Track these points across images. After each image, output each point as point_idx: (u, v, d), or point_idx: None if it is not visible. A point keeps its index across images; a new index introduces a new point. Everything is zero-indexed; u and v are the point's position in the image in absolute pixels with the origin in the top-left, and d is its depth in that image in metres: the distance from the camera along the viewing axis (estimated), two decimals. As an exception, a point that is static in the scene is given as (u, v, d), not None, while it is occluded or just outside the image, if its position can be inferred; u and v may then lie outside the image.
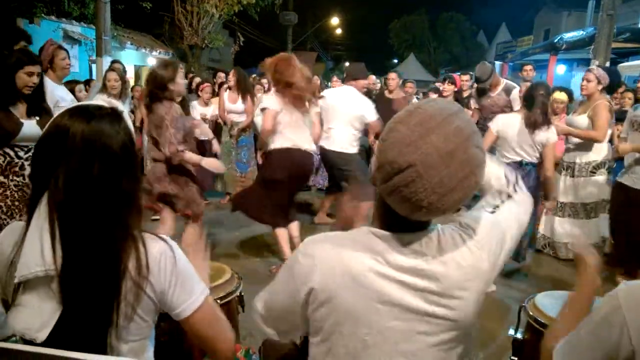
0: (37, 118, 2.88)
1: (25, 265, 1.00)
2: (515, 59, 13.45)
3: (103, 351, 1.03)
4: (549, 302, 1.84)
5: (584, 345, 0.98)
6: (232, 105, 5.70)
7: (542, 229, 4.64)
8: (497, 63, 13.42)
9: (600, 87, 4.17)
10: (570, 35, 9.69)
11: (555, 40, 9.99)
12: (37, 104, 2.89)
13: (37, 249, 1.00)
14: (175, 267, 1.10)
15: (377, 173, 0.99)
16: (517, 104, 5.34)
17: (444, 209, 0.96)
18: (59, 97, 3.68)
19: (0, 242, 1.11)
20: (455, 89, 5.82)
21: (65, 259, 1.00)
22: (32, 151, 2.51)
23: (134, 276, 1.04)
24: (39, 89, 2.91)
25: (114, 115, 1.09)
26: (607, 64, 7.69)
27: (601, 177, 4.27)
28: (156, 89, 3.10)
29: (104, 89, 5.04)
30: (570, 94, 5.07)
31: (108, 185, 1.03)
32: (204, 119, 5.70)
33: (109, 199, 1.03)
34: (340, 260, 1.03)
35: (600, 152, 4.27)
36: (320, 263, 1.03)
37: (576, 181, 4.34)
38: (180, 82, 3.18)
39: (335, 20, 28.18)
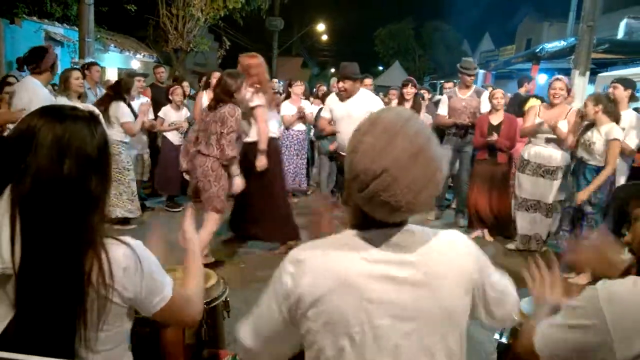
0: None
1: None
2: (498, 67, 13.67)
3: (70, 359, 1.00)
4: (532, 308, 1.86)
5: (562, 336, 1.04)
6: None
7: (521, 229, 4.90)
8: (481, 72, 13.61)
9: (566, 94, 4.64)
10: (551, 46, 9.88)
11: (537, 50, 10.18)
12: None
13: None
14: (141, 270, 1.08)
15: (352, 184, 1.03)
16: (485, 107, 5.54)
17: (420, 207, 1.02)
18: (50, 101, 3.71)
19: None
20: (416, 92, 6.03)
21: (23, 258, 0.97)
22: None
23: (97, 285, 1.01)
24: None
25: (91, 117, 1.08)
26: (587, 74, 7.88)
27: (561, 180, 4.62)
28: (222, 94, 3.62)
29: (65, 90, 4.47)
30: (543, 101, 5.36)
31: (77, 186, 1.01)
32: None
33: (75, 199, 1.01)
34: (327, 263, 1.04)
35: (566, 157, 4.62)
36: (308, 267, 1.05)
37: (542, 181, 4.66)
38: (244, 93, 3.69)
39: (321, 27, 28.31)
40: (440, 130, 5.90)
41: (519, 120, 5.30)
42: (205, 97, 5.68)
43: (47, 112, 1.04)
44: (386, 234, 1.06)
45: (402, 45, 30.13)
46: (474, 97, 5.63)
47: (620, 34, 11.38)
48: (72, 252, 1.00)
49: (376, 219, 1.04)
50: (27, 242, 0.97)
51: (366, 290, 1.02)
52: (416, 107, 5.83)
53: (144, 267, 1.09)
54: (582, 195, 4.02)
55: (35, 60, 3.81)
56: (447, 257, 1.08)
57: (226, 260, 4.24)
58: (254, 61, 4.07)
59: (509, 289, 1.20)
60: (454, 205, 6.40)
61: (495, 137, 4.96)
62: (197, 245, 1.37)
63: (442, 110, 5.77)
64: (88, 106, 1.12)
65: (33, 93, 3.65)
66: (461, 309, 1.08)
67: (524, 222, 4.83)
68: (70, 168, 1.00)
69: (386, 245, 1.05)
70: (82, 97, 4.69)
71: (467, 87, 5.68)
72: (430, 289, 1.04)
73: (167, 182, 5.81)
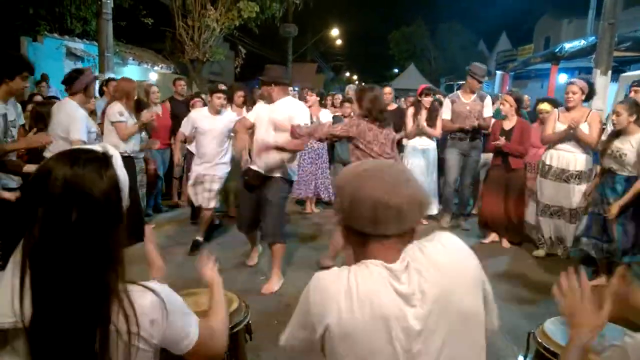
0: None
1: None
2: (516, 68, 13.46)
3: None
4: (557, 329, 1.82)
5: None
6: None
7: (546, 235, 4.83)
8: (499, 73, 13.41)
9: (583, 97, 4.48)
10: (571, 45, 9.68)
11: (557, 50, 9.99)
12: None
13: (8, 298, 0.95)
14: (167, 316, 1.07)
15: (352, 209, 1.10)
16: (488, 111, 5.58)
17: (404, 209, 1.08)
18: (89, 124, 3.85)
19: None
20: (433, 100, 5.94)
21: (35, 311, 0.95)
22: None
23: (122, 333, 1.00)
24: None
25: (102, 160, 1.04)
26: (609, 73, 7.70)
27: (585, 184, 4.51)
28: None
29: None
30: (555, 103, 5.18)
31: (86, 234, 0.98)
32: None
33: (86, 248, 0.97)
34: (354, 295, 1.04)
35: (590, 161, 4.55)
36: (334, 299, 1.05)
37: (565, 186, 4.56)
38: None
39: (335, 32, 28.37)
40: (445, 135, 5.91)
41: (535, 125, 5.24)
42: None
43: (61, 156, 1.03)
44: (397, 264, 1.07)
45: (417, 47, 29.98)
46: (478, 102, 5.61)
47: (642, 30, 11.07)
48: (87, 302, 0.97)
49: (386, 234, 1.08)
50: (37, 295, 0.95)
51: (393, 322, 1.03)
52: (434, 114, 5.82)
53: (169, 314, 1.08)
54: (614, 209, 3.79)
55: (69, 82, 3.92)
56: (457, 267, 1.11)
57: (247, 273, 4.28)
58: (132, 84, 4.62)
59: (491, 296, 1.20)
60: (474, 211, 6.33)
61: (502, 141, 4.86)
62: (218, 281, 1.37)
63: (446, 114, 5.73)
64: (105, 146, 1.10)
65: (71, 115, 3.76)
66: (479, 312, 1.11)
67: (547, 228, 4.77)
68: (77, 214, 0.97)
69: (403, 274, 1.06)
70: (93, 113, 4.82)
71: (472, 91, 5.63)
72: (452, 303, 1.06)
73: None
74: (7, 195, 2.85)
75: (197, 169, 4.88)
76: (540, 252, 4.82)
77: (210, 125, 4.79)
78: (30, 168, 3.03)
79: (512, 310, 3.62)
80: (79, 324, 0.96)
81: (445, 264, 1.09)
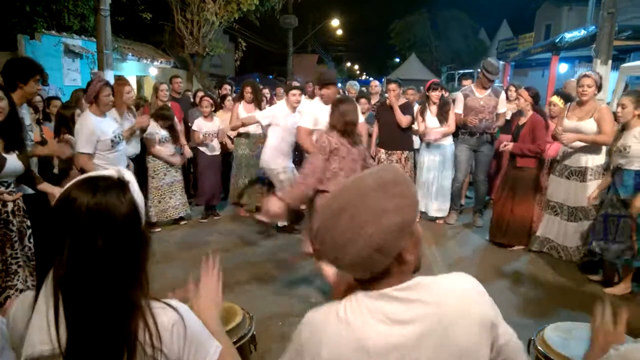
0: (17, 152, 2.86)
1: (30, 343, 1.01)
2: (517, 58, 13.36)
3: None
4: (558, 337, 1.83)
5: None
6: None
7: (540, 231, 4.75)
8: (500, 63, 13.33)
9: (596, 90, 4.27)
10: (571, 35, 9.62)
11: (557, 40, 9.93)
12: (14, 137, 2.88)
13: (44, 326, 1.01)
14: (186, 335, 1.10)
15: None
16: (502, 106, 5.58)
17: (353, 260, 1.02)
18: (100, 132, 3.86)
19: (13, 316, 1.12)
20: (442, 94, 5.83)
21: (70, 336, 1.00)
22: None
23: (145, 347, 1.05)
24: (14, 122, 2.88)
25: (120, 186, 1.09)
26: (610, 62, 7.65)
27: (592, 182, 4.34)
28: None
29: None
30: (566, 97, 5.06)
31: (112, 258, 1.03)
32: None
33: (113, 271, 1.03)
34: (348, 334, 1.03)
35: (603, 155, 4.37)
36: (327, 338, 1.04)
37: (568, 182, 4.46)
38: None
39: (335, 22, 28.16)
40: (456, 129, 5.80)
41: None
42: (242, 108, 5.72)
43: (82, 184, 1.07)
44: (395, 292, 1.03)
45: (419, 37, 29.68)
46: (492, 97, 5.56)
47: (643, 18, 10.98)
48: (115, 323, 1.03)
49: (369, 278, 1.05)
50: (71, 321, 1.01)
51: (380, 355, 1.01)
52: (445, 108, 5.70)
53: (190, 333, 1.11)
54: (638, 203, 3.49)
55: (85, 92, 3.97)
56: (465, 301, 1.05)
57: (249, 273, 4.31)
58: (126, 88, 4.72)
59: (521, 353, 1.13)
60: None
61: (500, 141, 4.85)
62: (217, 325, 1.30)
63: (459, 109, 5.66)
64: (120, 170, 1.14)
65: (80, 127, 3.84)
66: (479, 352, 1.04)
67: (547, 225, 4.70)
68: (103, 242, 1.02)
69: (400, 304, 1.03)
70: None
71: (485, 87, 5.58)
72: (450, 336, 1.01)
73: (203, 194, 5.85)
74: (8, 197, 2.85)
75: (279, 162, 4.95)
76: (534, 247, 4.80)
77: (290, 123, 4.81)
78: (44, 187, 3.06)
79: (514, 312, 3.65)
80: (110, 343, 1.02)
81: (453, 295, 1.05)
